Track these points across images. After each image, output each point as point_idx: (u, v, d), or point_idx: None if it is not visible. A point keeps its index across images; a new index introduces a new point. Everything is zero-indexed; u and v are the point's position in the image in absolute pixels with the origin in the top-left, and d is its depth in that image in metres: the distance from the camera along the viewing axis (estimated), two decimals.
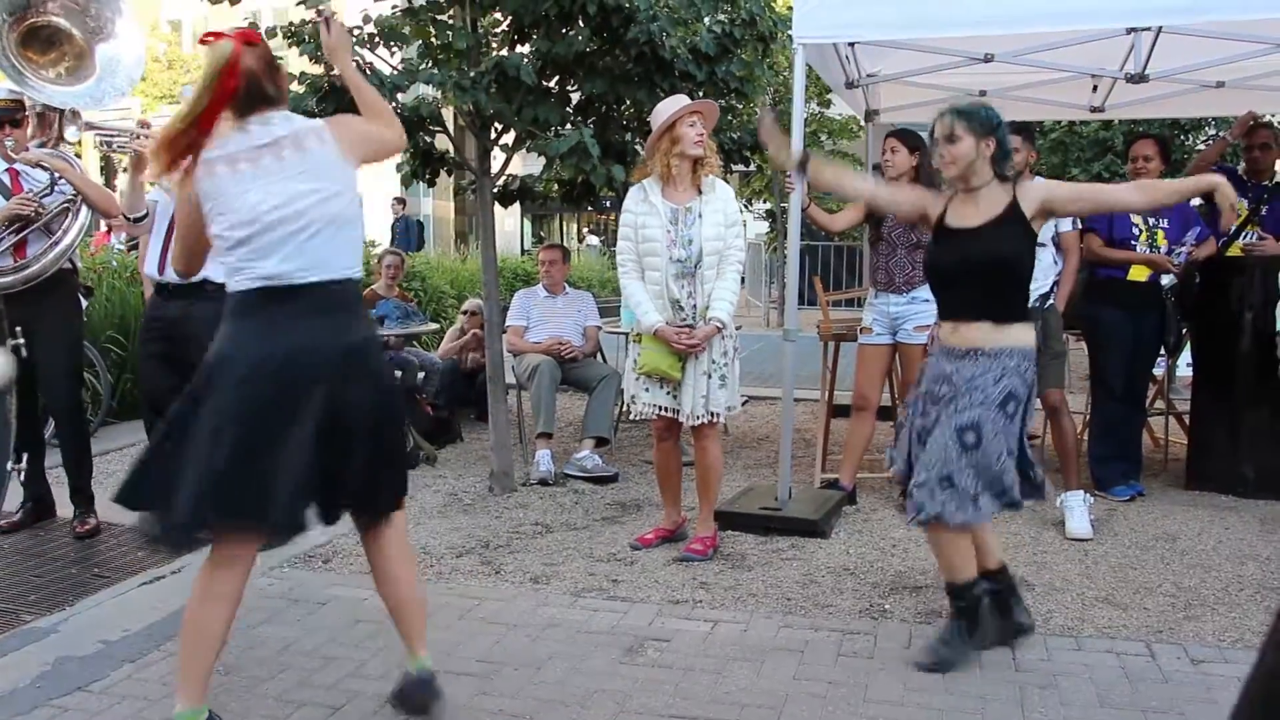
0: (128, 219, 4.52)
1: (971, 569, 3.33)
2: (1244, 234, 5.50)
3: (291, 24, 5.20)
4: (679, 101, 4.31)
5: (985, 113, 3.31)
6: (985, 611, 3.34)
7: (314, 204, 2.69)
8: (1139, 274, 5.23)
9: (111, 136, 4.59)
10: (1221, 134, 5.78)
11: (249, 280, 2.66)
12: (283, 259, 2.65)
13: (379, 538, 2.87)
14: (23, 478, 4.61)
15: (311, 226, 2.68)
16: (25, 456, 4.61)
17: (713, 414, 4.29)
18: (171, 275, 4.36)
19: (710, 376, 4.27)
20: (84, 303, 5.01)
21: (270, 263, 2.65)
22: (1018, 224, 3.28)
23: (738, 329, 4.46)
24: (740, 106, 6.66)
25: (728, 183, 4.49)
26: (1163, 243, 5.25)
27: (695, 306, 4.27)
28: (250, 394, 2.59)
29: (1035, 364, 3.31)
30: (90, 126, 4.62)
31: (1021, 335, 3.26)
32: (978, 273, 3.28)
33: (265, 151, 2.67)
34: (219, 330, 2.70)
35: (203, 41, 2.73)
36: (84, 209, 4.58)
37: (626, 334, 5.58)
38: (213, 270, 4.29)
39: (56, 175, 4.50)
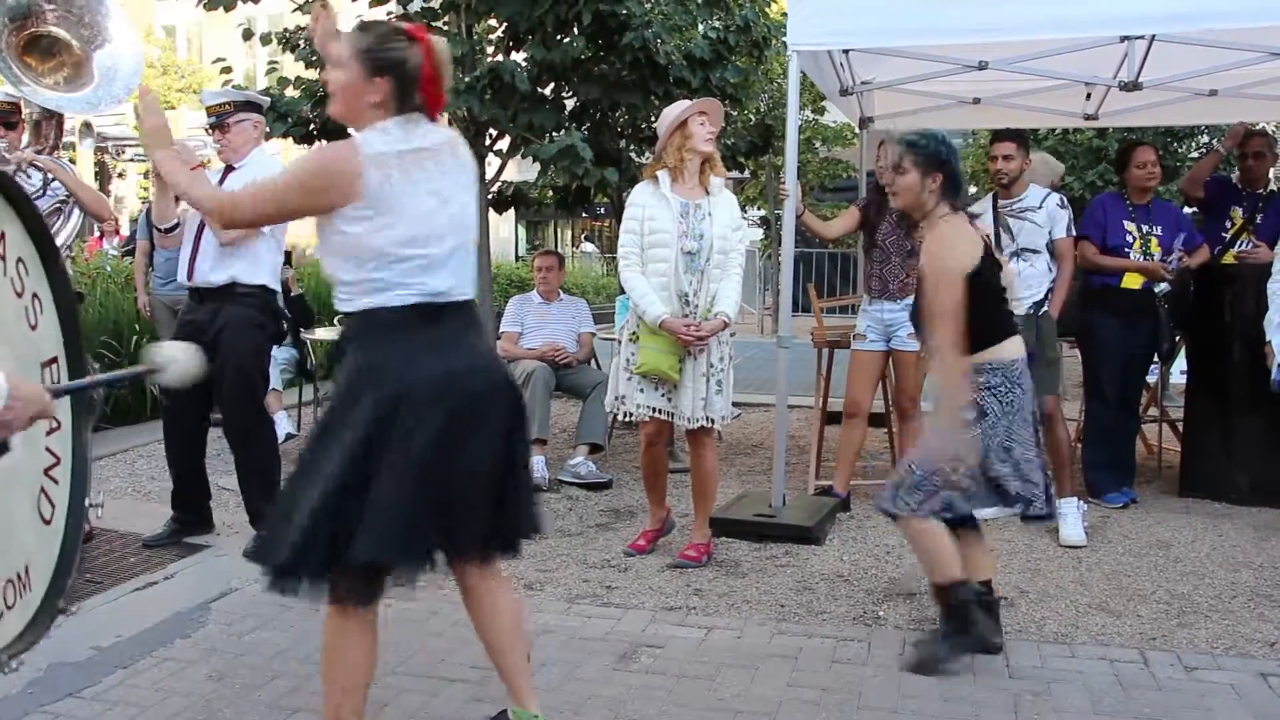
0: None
1: (953, 569, 3.31)
2: (1239, 242, 5.51)
3: (286, 30, 5.21)
4: (685, 103, 4.36)
5: (934, 145, 3.23)
6: (977, 615, 3.32)
7: (470, 216, 2.62)
8: (1133, 281, 5.23)
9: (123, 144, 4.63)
10: (1215, 146, 5.78)
11: (411, 296, 2.48)
12: (450, 273, 2.54)
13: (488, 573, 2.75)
14: (100, 515, 4.54)
15: (469, 241, 2.60)
16: (102, 494, 4.59)
17: (711, 419, 4.29)
18: (203, 279, 4.36)
19: (709, 380, 4.27)
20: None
21: (439, 278, 2.51)
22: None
23: (732, 335, 4.45)
24: (735, 113, 6.67)
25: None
26: (1156, 250, 5.26)
27: (699, 305, 4.27)
28: (449, 416, 2.45)
29: (1014, 379, 3.27)
30: (105, 139, 4.67)
31: (992, 353, 3.26)
32: (922, 325, 3.35)
33: (426, 155, 2.51)
34: (361, 356, 2.48)
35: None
36: (75, 212, 4.58)
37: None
38: (241, 271, 4.33)
39: (49, 177, 4.49)
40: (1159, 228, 5.29)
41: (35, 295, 2.64)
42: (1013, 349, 3.31)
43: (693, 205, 4.27)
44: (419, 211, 2.47)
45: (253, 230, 4.06)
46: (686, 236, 4.24)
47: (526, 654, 2.79)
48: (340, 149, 2.50)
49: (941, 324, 3.19)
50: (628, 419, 4.45)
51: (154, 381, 2.63)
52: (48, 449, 2.66)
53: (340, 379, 2.54)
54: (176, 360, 2.52)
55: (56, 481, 2.69)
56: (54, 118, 4.62)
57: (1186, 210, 5.97)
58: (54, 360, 2.70)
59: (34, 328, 2.62)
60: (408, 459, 2.41)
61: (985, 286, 3.26)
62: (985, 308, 3.25)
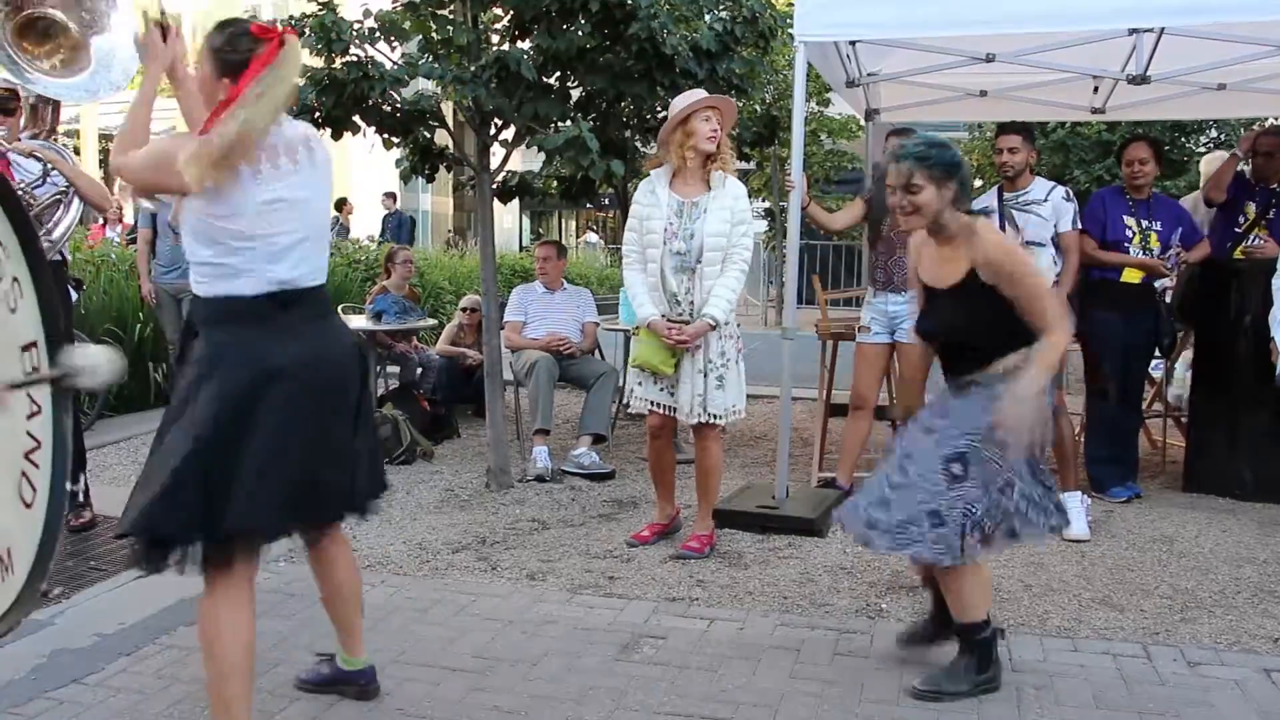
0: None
1: (987, 607, 3.14)
2: (1250, 238, 5.49)
3: (292, 17, 5.19)
4: (696, 95, 4.29)
5: (944, 154, 3.04)
6: (996, 654, 3.17)
7: (319, 212, 2.75)
8: (1132, 276, 5.22)
9: None
10: (1234, 150, 5.76)
11: (260, 285, 2.60)
12: (293, 265, 2.64)
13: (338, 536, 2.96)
14: (81, 498, 4.57)
15: (315, 234, 2.71)
16: (83, 477, 4.60)
17: (712, 415, 4.28)
18: None
19: (706, 376, 4.25)
20: (75, 295, 4.99)
21: (282, 267, 2.62)
22: (976, 293, 3.02)
23: (739, 326, 4.44)
24: (741, 104, 6.65)
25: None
26: (1156, 245, 5.25)
27: (694, 303, 4.25)
28: (297, 397, 2.58)
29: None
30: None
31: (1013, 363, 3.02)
32: (954, 342, 3.14)
33: (279, 152, 2.61)
34: (209, 337, 2.60)
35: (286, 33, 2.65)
36: (76, 201, 4.56)
37: (626, 330, 5.58)
38: None
39: (49, 166, 4.48)
40: (1158, 223, 5.28)
41: (15, 279, 2.62)
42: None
43: (689, 203, 4.24)
44: (259, 202, 2.57)
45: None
46: (676, 237, 4.21)
47: (359, 606, 3.02)
48: (184, 140, 2.57)
49: (1044, 300, 2.98)
50: (633, 410, 4.45)
51: (71, 385, 2.65)
52: (29, 433, 2.65)
53: (199, 360, 2.60)
54: (97, 365, 2.58)
55: (37, 465, 2.68)
56: (50, 102, 4.61)
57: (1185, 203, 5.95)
58: (33, 344, 2.69)
59: (13, 311, 2.61)
60: (279, 435, 2.54)
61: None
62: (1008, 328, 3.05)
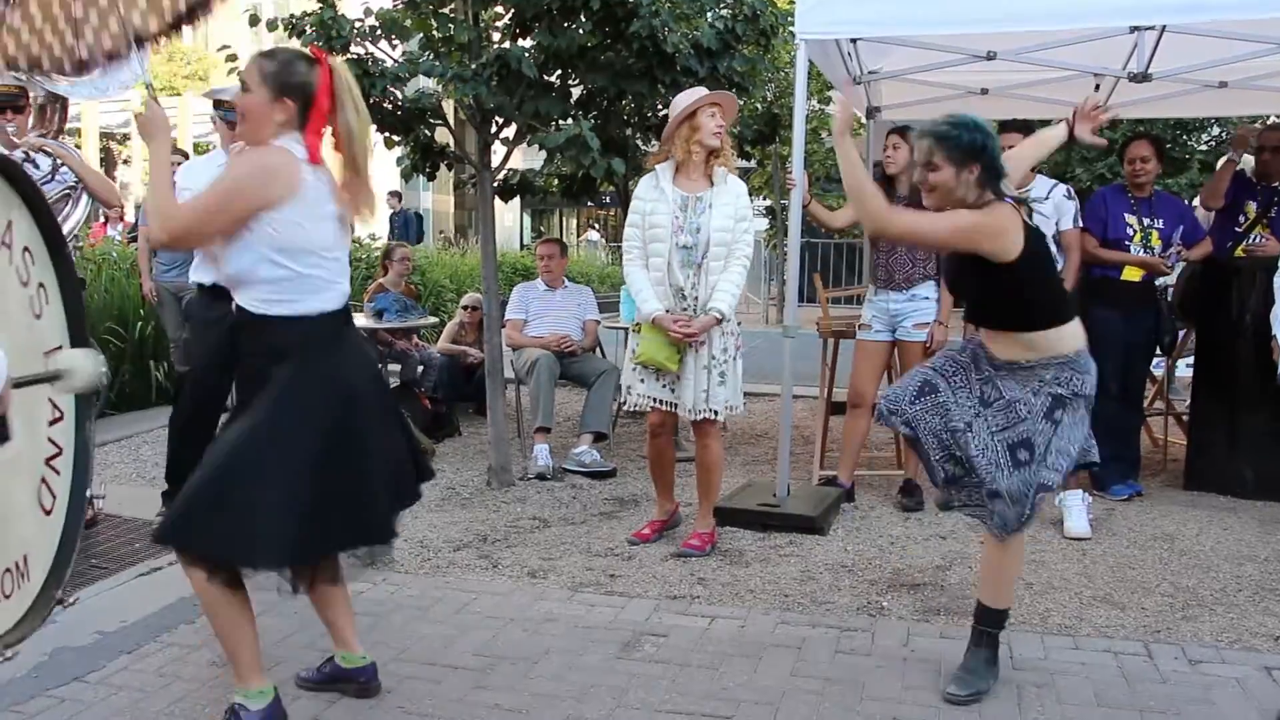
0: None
1: (1011, 596, 3.23)
2: (1252, 236, 5.49)
3: (292, 16, 5.19)
4: (699, 92, 4.32)
5: (967, 135, 2.96)
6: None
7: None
8: (1132, 274, 5.22)
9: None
10: (1230, 155, 5.75)
11: (339, 299, 2.73)
12: (345, 279, 2.78)
13: None
14: (102, 504, 4.61)
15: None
16: (104, 485, 4.64)
17: (714, 410, 4.28)
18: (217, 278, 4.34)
19: (710, 372, 4.26)
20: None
21: (345, 283, 2.76)
22: (990, 266, 3.00)
23: (739, 325, 4.44)
24: (742, 102, 6.65)
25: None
26: (1157, 243, 5.25)
27: (698, 299, 4.25)
28: (374, 414, 2.75)
29: (1078, 366, 3.04)
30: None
31: (1055, 344, 3.03)
32: (981, 302, 3.15)
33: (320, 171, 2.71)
34: (305, 361, 2.64)
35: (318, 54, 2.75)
36: (84, 198, 4.56)
37: (627, 328, 5.57)
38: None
39: (58, 162, 4.48)
40: (1160, 220, 5.28)
41: (41, 285, 2.63)
42: (1074, 338, 3.08)
43: (693, 198, 4.25)
44: (333, 213, 2.70)
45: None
46: (682, 231, 4.22)
47: (345, 605, 3.06)
48: (273, 151, 2.64)
49: (924, 227, 3.09)
50: (633, 409, 4.44)
51: (59, 388, 2.66)
52: (50, 439, 2.66)
53: (289, 384, 2.62)
54: (80, 368, 2.60)
55: (58, 472, 2.69)
56: (58, 101, 4.61)
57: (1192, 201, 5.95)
58: (58, 349, 2.70)
59: (38, 317, 2.62)
60: (377, 455, 2.70)
61: (1038, 268, 3.05)
62: (1041, 289, 3.07)
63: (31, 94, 4.56)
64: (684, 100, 4.27)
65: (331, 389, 2.64)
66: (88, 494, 2.83)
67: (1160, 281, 5.41)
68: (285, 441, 2.56)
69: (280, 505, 2.50)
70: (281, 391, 2.60)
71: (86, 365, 2.59)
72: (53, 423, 2.67)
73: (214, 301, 4.36)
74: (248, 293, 2.64)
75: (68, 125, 4.86)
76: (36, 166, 4.51)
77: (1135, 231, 5.24)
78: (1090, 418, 3.11)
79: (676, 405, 4.32)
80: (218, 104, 4.56)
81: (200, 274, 4.48)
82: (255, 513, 2.49)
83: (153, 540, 2.77)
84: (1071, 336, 3.07)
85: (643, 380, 4.33)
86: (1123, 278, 5.22)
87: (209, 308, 4.41)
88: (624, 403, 4.50)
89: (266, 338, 2.64)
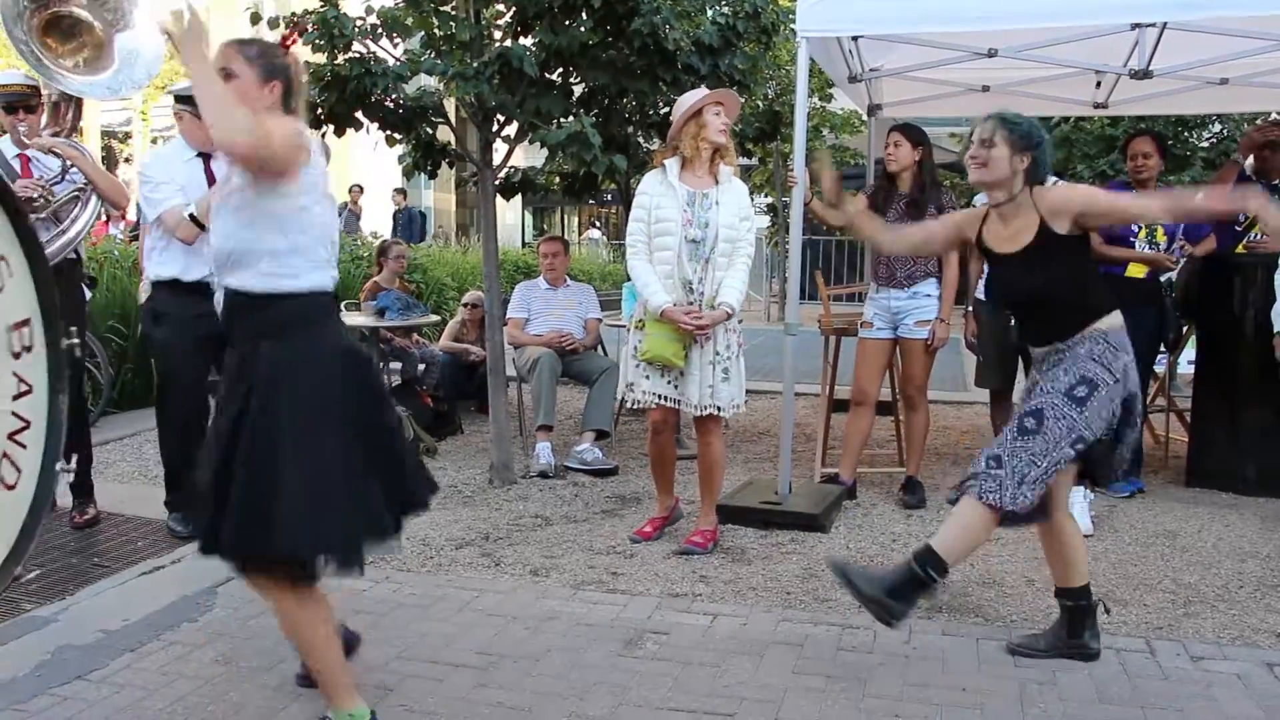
0: (201, 227, 4.12)
1: (1081, 575, 3.31)
2: (1253, 234, 5.48)
3: (294, 14, 5.19)
4: (701, 92, 4.36)
5: (1028, 126, 3.19)
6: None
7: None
8: (1137, 271, 5.22)
9: None
10: (1234, 157, 5.73)
11: (331, 281, 2.73)
12: (335, 265, 2.80)
13: None
14: (71, 479, 4.53)
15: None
16: (75, 458, 4.55)
17: (718, 406, 4.29)
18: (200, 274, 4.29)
19: (715, 367, 4.27)
20: (88, 294, 4.98)
21: (335, 268, 2.79)
22: (1051, 248, 3.17)
23: (740, 323, 4.45)
24: (743, 99, 6.65)
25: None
26: (1162, 239, 5.24)
27: (704, 293, 4.26)
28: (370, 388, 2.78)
29: (1116, 345, 3.19)
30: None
31: (1096, 323, 3.20)
32: (1028, 305, 3.29)
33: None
34: (318, 338, 2.64)
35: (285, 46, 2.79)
36: (93, 199, 4.54)
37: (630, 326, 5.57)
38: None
39: (68, 163, 4.47)
40: None
41: (2, 258, 2.59)
42: (1108, 320, 3.26)
43: (700, 194, 4.27)
44: (325, 194, 2.75)
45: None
46: (692, 225, 4.24)
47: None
48: (292, 120, 2.66)
49: (1143, 204, 3.51)
50: (635, 406, 4.44)
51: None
52: (15, 414, 2.61)
53: (307, 365, 2.59)
54: None
55: (24, 446, 2.64)
56: (73, 100, 4.60)
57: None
58: (26, 322, 2.65)
59: (0, 290, 2.58)
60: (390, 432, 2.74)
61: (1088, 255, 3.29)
62: (1085, 293, 3.25)
63: (45, 92, 4.55)
64: (689, 99, 4.32)
65: (343, 362, 2.64)
66: (57, 467, 2.78)
67: (1164, 278, 5.41)
68: (319, 427, 2.52)
69: (347, 494, 2.51)
70: (296, 373, 2.55)
71: None
72: (18, 397, 2.62)
73: (189, 298, 4.29)
74: (247, 270, 2.58)
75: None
76: (47, 166, 4.50)
77: (1140, 228, 5.23)
78: (1128, 427, 3.18)
79: (680, 401, 4.32)
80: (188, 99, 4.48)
81: (167, 268, 4.34)
82: (326, 504, 2.47)
83: (222, 555, 2.60)
84: (1111, 316, 3.25)
85: (647, 377, 4.33)
86: (1127, 275, 5.21)
87: (186, 305, 4.29)
88: (626, 400, 4.50)
89: (271, 313, 2.59)
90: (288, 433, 2.49)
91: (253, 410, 2.52)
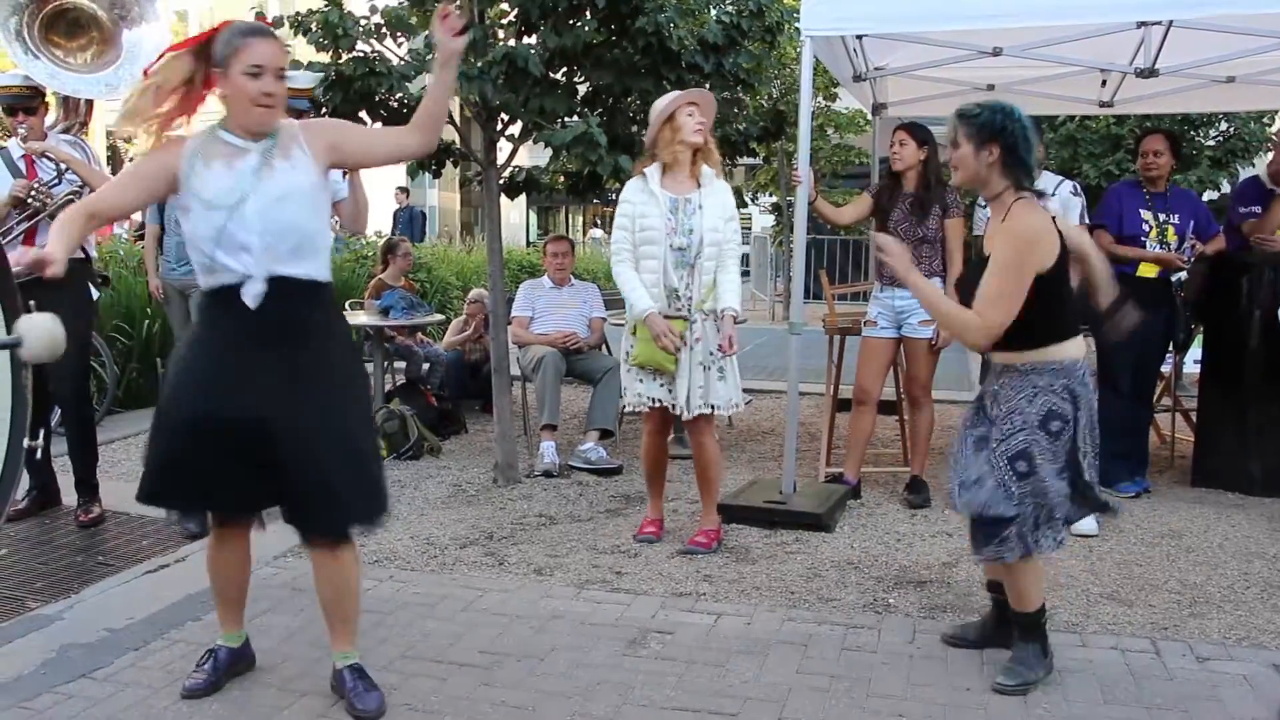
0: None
1: (1041, 595, 3.20)
2: None
3: (298, 14, 5.19)
4: (672, 95, 4.34)
5: (987, 115, 3.00)
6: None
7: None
8: (1148, 270, 5.20)
9: None
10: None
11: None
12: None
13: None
14: (39, 455, 4.52)
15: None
16: (42, 433, 4.54)
17: (712, 406, 4.28)
18: None
19: (708, 369, 4.26)
20: (96, 293, 4.98)
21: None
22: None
23: (741, 323, 4.44)
24: (747, 99, 6.64)
25: (731, 176, 4.48)
26: (1173, 239, 5.23)
27: (692, 298, 4.25)
28: None
29: (1076, 379, 3.02)
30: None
31: (1053, 352, 3.02)
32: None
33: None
34: (340, 318, 2.96)
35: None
36: None
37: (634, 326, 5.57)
38: None
39: (63, 166, 4.48)
40: (1176, 216, 5.25)
41: None
42: (1075, 349, 3.07)
43: (683, 200, 4.27)
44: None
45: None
46: (676, 233, 4.24)
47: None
48: None
49: (994, 309, 2.97)
50: (632, 408, 4.44)
51: (19, 355, 2.61)
52: None
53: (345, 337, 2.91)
54: (36, 329, 2.52)
55: None
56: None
57: (1206, 196, 5.90)
58: None
59: None
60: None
61: (1057, 282, 3.02)
62: (1050, 305, 3.00)
63: (47, 94, 4.55)
64: (661, 104, 4.29)
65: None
66: (24, 443, 2.78)
67: (1174, 278, 5.39)
68: (366, 400, 2.94)
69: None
70: (351, 358, 2.92)
71: (45, 327, 2.54)
72: None
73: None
74: (316, 259, 2.74)
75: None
76: (48, 169, 4.50)
77: (1151, 227, 5.22)
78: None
79: (674, 405, 4.31)
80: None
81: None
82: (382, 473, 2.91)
83: (359, 528, 2.88)
84: (1074, 347, 3.07)
85: (641, 380, 4.33)
86: (1137, 274, 5.19)
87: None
88: (625, 403, 4.50)
89: (325, 298, 2.80)
90: (357, 404, 2.86)
91: (319, 391, 2.72)
